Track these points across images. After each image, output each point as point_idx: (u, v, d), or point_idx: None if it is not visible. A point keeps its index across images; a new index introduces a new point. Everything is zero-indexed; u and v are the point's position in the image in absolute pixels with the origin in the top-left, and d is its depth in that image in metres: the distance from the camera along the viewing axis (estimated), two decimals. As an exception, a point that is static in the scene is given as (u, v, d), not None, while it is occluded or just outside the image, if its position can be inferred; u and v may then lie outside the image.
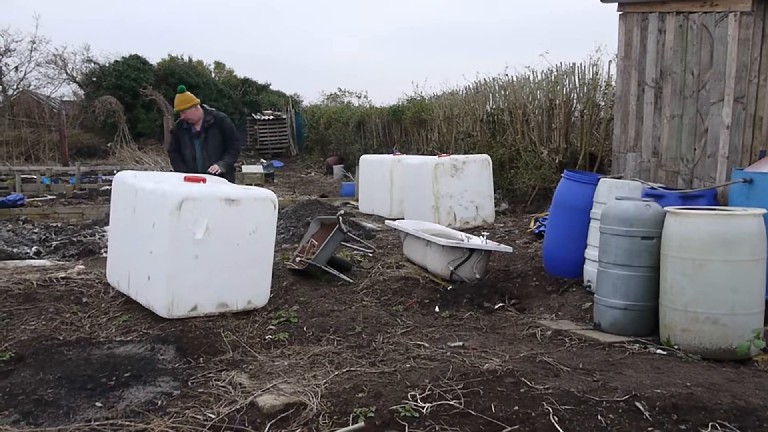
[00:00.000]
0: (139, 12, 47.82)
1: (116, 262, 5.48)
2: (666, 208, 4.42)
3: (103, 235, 8.28)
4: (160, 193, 4.83)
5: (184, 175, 5.51)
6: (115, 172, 16.07)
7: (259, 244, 5.06)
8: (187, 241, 4.71)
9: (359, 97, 25.39)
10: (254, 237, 5.01)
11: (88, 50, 24.66)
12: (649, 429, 2.91)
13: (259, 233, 5.04)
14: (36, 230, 8.83)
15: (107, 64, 23.80)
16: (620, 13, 6.33)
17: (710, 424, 2.92)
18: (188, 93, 6.70)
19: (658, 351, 4.20)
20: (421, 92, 17.29)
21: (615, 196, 4.91)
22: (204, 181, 5.27)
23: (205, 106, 6.78)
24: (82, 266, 6.42)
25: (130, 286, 5.16)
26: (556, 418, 2.97)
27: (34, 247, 7.73)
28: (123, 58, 23.58)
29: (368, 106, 22.39)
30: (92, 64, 24.44)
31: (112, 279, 5.54)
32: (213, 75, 27.70)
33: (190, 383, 3.71)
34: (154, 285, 4.81)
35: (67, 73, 24.57)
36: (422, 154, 13.69)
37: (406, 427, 2.92)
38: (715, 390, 3.30)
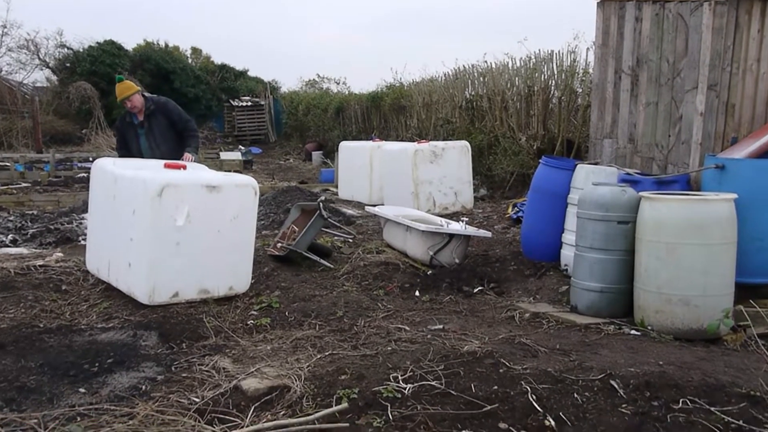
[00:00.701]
0: (114, -4, 47.02)
1: (96, 249, 5.46)
2: (641, 194, 4.53)
3: (81, 223, 8.21)
4: (140, 180, 4.81)
5: (165, 161, 5.50)
6: (90, 159, 15.89)
7: (240, 231, 5.08)
8: (168, 227, 4.71)
9: (338, 84, 25.34)
10: (235, 223, 5.02)
11: (61, 35, 24.21)
12: (623, 406, 3.01)
13: (240, 220, 5.05)
14: (11, 218, 8.71)
15: (81, 50, 23.36)
16: (598, 1, 6.40)
17: (681, 401, 3.03)
18: (128, 81, 6.60)
19: (633, 332, 4.32)
20: (401, 78, 17.32)
21: (592, 182, 5.01)
22: (184, 168, 5.26)
23: (145, 94, 6.62)
24: (60, 254, 6.38)
25: (110, 273, 5.15)
26: (534, 397, 3.06)
27: (10, 235, 7.63)
28: (98, 43, 23.17)
29: (347, 92, 22.35)
30: (66, 50, 23.98)
31: (91, 266, 5.52)
32: (190, 61, 27.33)
33: (173, 368, 3.73)
34: (135, 272, 4.81)
35: (39, 58, 24.09)
36: (401, 140, 13.73)
37: (389, 408, 2.98)
38: (686, 368, 3.42)
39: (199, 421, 2.99)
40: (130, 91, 6.44)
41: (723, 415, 2.90)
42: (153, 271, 4.71)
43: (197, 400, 3.24)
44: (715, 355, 3.83)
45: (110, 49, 22.97)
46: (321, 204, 6.24)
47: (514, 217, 8.21)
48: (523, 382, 3.21)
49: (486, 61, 12.19)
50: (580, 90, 10.08)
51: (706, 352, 3.88)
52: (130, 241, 4.83)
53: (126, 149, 6.68)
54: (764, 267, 4.56)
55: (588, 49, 10.03)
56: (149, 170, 5.08)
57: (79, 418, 3.06)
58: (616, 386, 3.17)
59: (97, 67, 22.36)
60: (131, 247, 4.83)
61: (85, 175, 13.93)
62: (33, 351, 3.98)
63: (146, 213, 4.68)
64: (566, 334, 4.27)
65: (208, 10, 51.66)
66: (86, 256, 5.64)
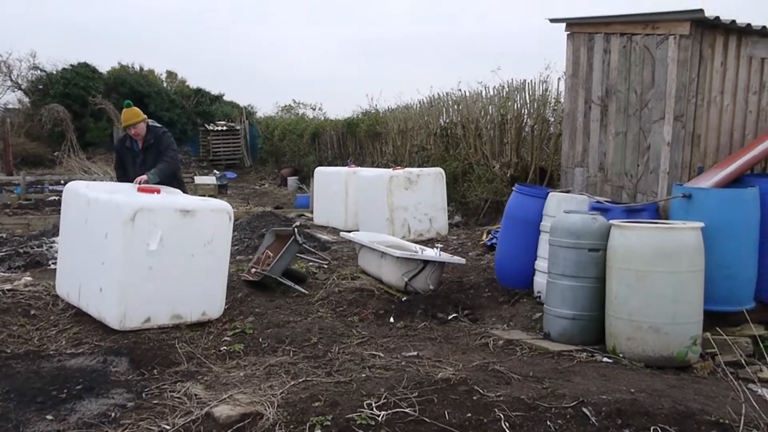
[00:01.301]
0: (88, 18, 46.83)
1: (66, 273, 5.38)
2: (611, 221, 4.62)
3: (51, 247, 8.07)
4: (113, 204, 4.78)
5: (138, 186, 5.46)
6: (62, 182, 15.67)
7: (214, 256, 5.05)
8: (140, 252, 4.66)
9: (314, 109, 25.38)
10: (209, 248, 5.00)
11: (34, 57, 23.94)
12: (595, 433, 3.04)
13: (215, 244, 5.03)
14: (-21, 241, 8.54)
15: (54, 72, 23.14)
16: (568, 33, 6.57)
17: (652, 428, 3.07)
18: (135, 108, 6.55)
19: (605, 359, 4.36)
20: (376, 105, 17.44)
21: (563, 210, 5.09)
22: (158, 191, 5.23)
23: (149, 122, 6.57)
24: (29, 278, 6.26)
25: (80, 297, 5.07)
26: (507, 424, 3.08)
27: (-22, 259, 7.48)
28: (71, 65, 22.99)
29: (323, 118, 22.42)
30: (39, 72, 23.72)
31: (61, 291, 5.43)
32: (165, 84, 27.22)
33: (144, 395, 3.68)
34: (106, 296, 4.74)
35: (11, 80, 23.77)
36: (377, 166, 13.80)
37: (363, 435, 2.97)
38: (657, 396, 3.46)
39: (170, 450, 2.94)
40: (137, 118, 6.38)
41: (692, 442, 2.94)
42: (124, 295, 4.65)
43: (168, 427, 3.20)
44: (685, 382, 3.88)
45: (84, 72, 22.80)
46: (296, 229, 6.24)
47: (488, 243, 8.27)
48: (496, 410, 3.22)
49: (460, 90, 12.38)
50: (552, 119, 10.27)
51: (677, 380, 3.93)
52: (102, 265, 4.78)
53: (123, 170, 6.62)
54: (731, 295, 4.66)
55: (559, 78, 10.22)
56: (122, 194, 5.04)
57: (45, 447, 3.00)
58: (588, 414, 3.20)
59: (70, 89, 22.16)
60: (103, 272, 4.77)
61: (56, 198, 13.74)
62: (0, 377, 3.89)
63: (119, 237, 4.64)
64: (539, 362, 4.30)
65: (183, 34, 51.73)
66: (56, 281, 5.55)
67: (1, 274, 6.76)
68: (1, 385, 3.75)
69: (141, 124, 6.38)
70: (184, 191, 6.29)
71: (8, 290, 5.68)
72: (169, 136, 6.54)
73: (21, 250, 7.76)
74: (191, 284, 4.92)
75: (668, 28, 5.33)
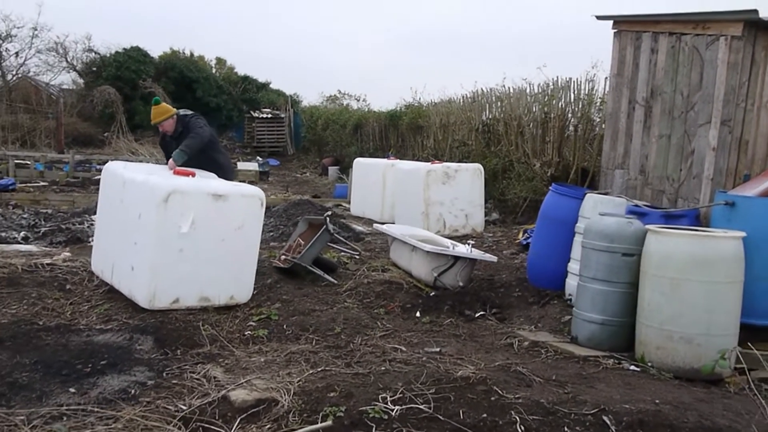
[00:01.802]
0: (143, 4, 47.78)
1: (102, 251, 5.50)
2: (647, 226, 4.47)
3: (92, 224, 8.28)
4: (148, 186, 4.85)
5: (175, 168, 5.53)
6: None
7: (244, 241, 5.09)
8: (172, 233, 4.73)
9: (358, 100, 25.44)
10: (240, 233, 5.04)
11: (89, 40, 24.62)
12: (614, 443, 2.95)
13: (245, 229, 5.07)
14: (25, 216, 8.83)
15: (108, 55, 23.74)
16: (615, 30, 6.40)
17: (674, 442, 2.96)
18: (164, 104, 6.56)
19: (632, 367, 4.24)
20: (419, 98, 17.35)
21: (599, 212, 4.96)
22: (193, 175, 5.29)
23: (180, 113, 6.60)
24: (68, 253, 6.44)
25: (113, 275, 5.18)
26: (522, 428, 3.01)
27: (23, 233, 7.73)
28: (124, 49, 23.53)
29: (366, 109, 22.44)
30: (93, 54, 24.38)
31: (96, 268, 5.56)
32: (213, 71, 27.64)
33: (164, 374, 3.73)
34: (137, 275, 4.83)
35: (67, 61, 24.51)
36: (417, 160, 13.73)
37: (374, 428, 2.95)
38: (683, 408, 3.34)
39: (183, 429, 2.97)
40: (163, 116, 6.41)
41: (716, 459, 2.83)
42: (155, 275, 4.73)
43: (184, 407, 3.23)
44: (714, 396, 3.74)
45: (136, 56, 23.31)
46: (328, 219, 6.24)
47: (524, 243, 8.15)
48: (513, 412, 3.15)
49: (504, 86, 12.21)
50: (597, 119, 10.04)
51: (706, 394, 3.79)
52: (135, 245, 4.86)
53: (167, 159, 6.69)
54: (771, 308, 4.47)
55: (606, 78, 9.98)
56: (158, 176, 5.11)
57: (64, 418, 3.06)
58: (608, 422, 3.11)
59: (122, 72, 22.70)
60: (135, 251, 4.86)
61: (102, 177, 14.09)
62: (29, 348, 4.00)
63: (152, 218, 4.71)
64: (564, 365, 4.20)
65: (234, 22, 52.31)
66: (92, 258, 5.68)
67: (43, 248, 6.97)
68: (30, 355, 3.85)
69: (169, 121, 6.40)
70: (231, 179, 6.29)
71: (47, 264, 5.85)
72: (197, 119, 6.53)
73: (63, 226, 7.99)
74: (220, 268, 4.97)
75: (719, 28, 5.13)
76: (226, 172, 6.44)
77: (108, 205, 5.48)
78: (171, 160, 5.94)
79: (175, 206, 4.72)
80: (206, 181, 5.31)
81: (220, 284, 5.02)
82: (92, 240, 7.40)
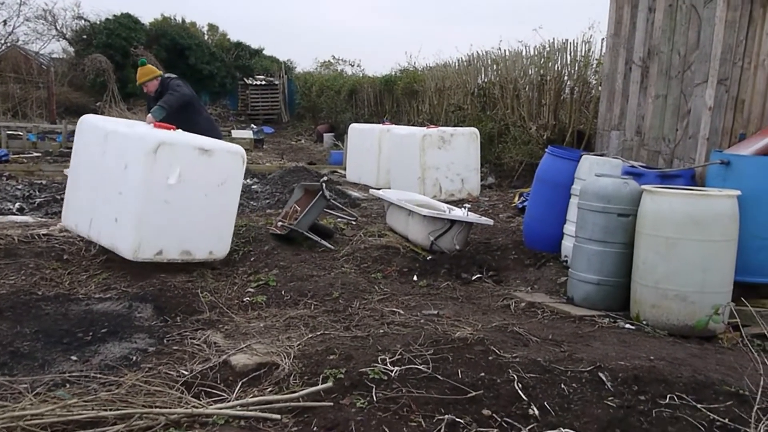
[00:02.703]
0: (133, -31, 46.77)
1: (77, 204, 5.44)
2: (643, 187, 4.48)
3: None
4: (137, 136, 4.91)
5: (154, 122, 5.56)
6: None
7: (225, 197, 5.19)
8: (159, 184, 4.78)
9: (352, 66, 25.11)
10: (222, 189, 5.14)
11: (78, 6, 24.37)
12: (610, 398, 3.00)
13: (227, 186, 5.17)
14: (20, 187, 8.79)
15: (98, 22, 23.33)
16: (612, -11, 6.32)
17: (668, 396, 3.01)
18: (149, 66, 6.68)
19: (627, 326, 4.29)
20: (414, 63, 17.18)
21: (594, 173, 4.96)
22: (174, 128, 5.29)
23: (165, 76, 6.67)
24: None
25: (91, 228, 5.15)
26: (520, 385, 3.05)
27: (18, 204, 7.71)
28: (114, 16, 23.13)
29: (361, 75, 22.18)
30: (83, 21, 23.98)
31: (69, 222, 5.52)
32: (206, 37, 27.18)
33: (165, 341, 3.77)
34: (121, 226, 4.85)
35: (56, 29, 24.11)
36: (413, 125, 13.65)
37: (374, 389, 2.99)
38: (677, 364, 3.39)
39: (186, 394, 3.01)
40: (147, 77, 6.57)
41: (709, 413, 2.88)
42: (140, 226, 4.77)
43: (186, 372, 3.27)
44: (708, 352, 3.80)
45: (127, 23, 22.93)
46: (324, 185, 6.23)
47: (520, 206, 8.17)
48: (510, 371, 3.20)
49: (500, 49, 12.10)
50: (594, 81, 9.97)
51: (700, 350, 3.85)
52: (119, 195, 4.88)
53: None
54: (765, 266, 4.50)
55: (603, 39, 9.89)
56: (142, 128, 5.15)
57: (67, 385, 3.10)
58: (604, 379, 3.15)
59: (112, 40, 22.35)
60: (120, 202, 4.88)
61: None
62: (29, 318, 4.03)
63: (140, 168, 4.75)
64: (560, 325, 4.25)
65: (225, -13, 51.42)
66: (64, 212, 5.62)
67: (39, 219, 6.96)
68: (30, 325, 3.88)
69: (152, 82, 6.54)
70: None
71: (44, 235, 5.85)
72: (176, 80, 6.63)
73: (59, 197, 7.96)
74: (202, 223, 5.07)
75: (717, -15, 5.06)
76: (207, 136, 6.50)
77: (86, 158, 5.41)
78: (149, 116, 6.02)
79: (163, 157, 4.77)
80: (192, 135, 5.32)
81: (201, 239, 5.12)
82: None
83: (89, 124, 5.47)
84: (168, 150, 4.79)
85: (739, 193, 4.25)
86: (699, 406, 2.93)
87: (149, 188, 4.76)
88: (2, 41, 23.34)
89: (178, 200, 4.89)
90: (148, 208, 4.78)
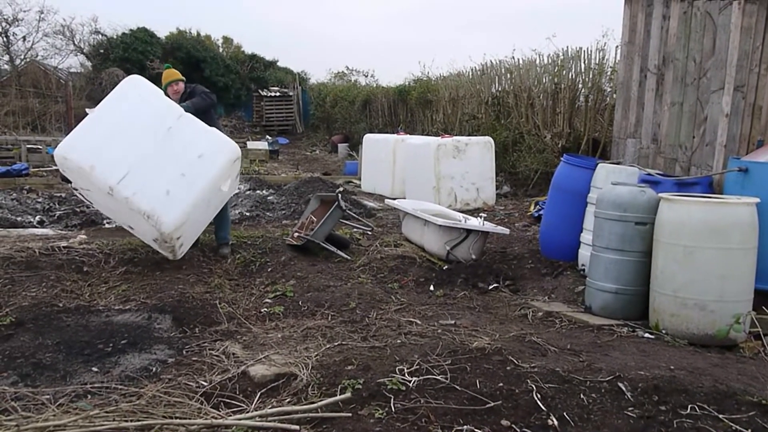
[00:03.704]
0: (149, -17, 47.41)
1: (103, 151, 5.18)
2: (660, 195, 4.46)
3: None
4: (224, 140, 5.49)
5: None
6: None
7: (223, 195, 5.70)
8: (215, 188, 5.35)
9: (366, 76, 25.26)
10: (229, 192, 5.85)
11: (96, 21, 24.70)
12: (629, 409, 2.98)
13: (231, 188, 5.84)
14: (40, 200, 8.92)
15: (115, 36, 23.71)
16: (626, -3, 6.32)
17: (689, 406, 2.99)
18: (174, 69, 6.72)
19: (646, 335, 4.26)
20: (428, 72, 17.23)
21: (611, 181, 4.94)
22: None
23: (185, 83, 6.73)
24: (84, 236, 6.50)
25: (122, 183, 5.03)
26: (539, 396, 3.04)
27: (38, 217, 7.82)
28: (131, 30, 23.48)
29: (375, 85, 22.30)
30: (100, 36, 24.37)
31: (78, 156, 5.18)
32: (221, 50, 27.48)
33: (184, 352, 3.80)
34: (172, 201, 5.06)
35: (74, 44, 24.52)
36: (427, 134, 13.68)
37: (392, 399, 2.99)
38: (698, 374, 3.36)
39: (205, 404, 3.03)
40: (174, 77, 6.53)
41: (731, 423, 2.85)
42: (189, 212, 5.10)
43: (205, 383, 3.29)
44: (729, 362, 3.76)
45: (143, 37, 23.26)
46: (339, 195, 6.26)
47: (536, 215, 8.15)
48: (529, 381, 3.19)
49: (513, 57, 12.09)
50: (608, 89, 9.94)
51: (720, 359, 3.81)
52: (182, 176, 5.15)
53: None
54: (786, 274, 4.46)
55: (617, 47, 9.87)
56: (219, 132, 5.66)
57: (89, 396, 3.13)
58: (623, 389, 3.13)
59: (129, 54, 22.67)
60: (180, 182, 5.13)
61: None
62: (51, 329, 4.08)
63: (215, 169, 5.28)
64: (578, 335, 4.23)
65: (240, 1, 51.93)
66: (67, 144, 5.30)
67: (59, 231, 7.05)
68: (51, 337, 3.93)
69: (180, 84, 6.49)
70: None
71: (64, 247, 5.91)
72: (203, 88, 6.65)
73: (78, 209, 8.07)
74: (202, 224, 5.71)
75: (732, -8, 5.05)
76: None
77: (138, 117, 5.35)
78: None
79: (231, 168, 5.40)
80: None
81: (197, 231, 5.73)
82: (107, 222, 7.49)
83: (147, 89, 5.57)
84: (237, 163, 5.48)
85: (758, 200, 4.22)
86: (721, 416, 2.90)
87: (210, 187, 5.27)
88: (22, 57, 23.72)
89: (211, 201, 5.41)
90: (200, 201, 5.21)
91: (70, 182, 5.78)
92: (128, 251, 5.70)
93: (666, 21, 5.79)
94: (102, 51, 23.86)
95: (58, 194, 9.56)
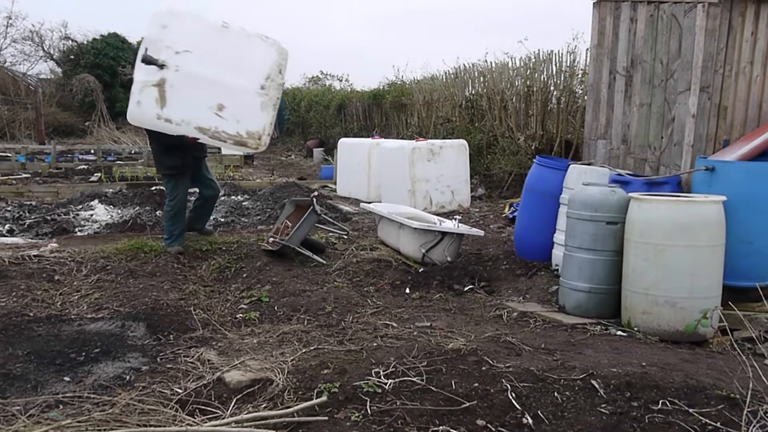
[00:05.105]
0: (119, -11, 46.89)
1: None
2: (630, 194, 4.54)
3: (78, 214, 8.25)
4: None
5: None
6: (92, 151, 15.92)
7: None
8: None
9: (341, 80, 25.30)
10: None
11: (65, 27, 24.42)
12: (602, 405, 3.02)
13: None
14: (9, 208, 8.75)
15: (85, 42, 23.44)
16: (594, 1, 6.41)
17: (661, 401, 3.04)
18: None
19: (619, 333, 4.33)
20: (402, 76, 17.33)
21: (582, 182, 5.01)
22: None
23: None
24: (55, 244, 6.40)
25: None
26: (513, 395, 3.08)
27: (7, 225, 7.67)
28: (102, 35, 23.23)
29: (349, 89, 22.34)
30: (70, 42, 24.09)
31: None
32: (193, 55, 27.31)
33: (159, 359, 3.76)
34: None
35: (44, 50, 24.21)
36: (402, 138, 13.72)
37: (368, 402, 3.00)
38: (669, 369, 3.43)
39: (180, 412, 3.01)
40: None
41: (701, 417, 2.91)
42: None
43: (180, 391, 3.27)
44: (699, 357, 3.83)
45: (114, 42, 23.02)
46: (315, 200, 6.25)
47: (510, 216, 8.22)
48: (504, 380, 3.22)
49: (486, 61, 12.19)
50: (580, 91, 10.07)
51: (691, 354, 3.88)
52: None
53: None
54: (752, 270, 4.56)
55: (587, 49, 10.01)
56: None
57: (60, 406, 3.09)
58: (596, 386, 3.18)
59: (100, 59, 22.42)
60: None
61: (85, 167, 13.98)
62: (21, 339, 4.01)
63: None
64: (552, 334, 4.28)
65: (212, 5, 51.63)
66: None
67: (29, 240, 6.93)
68: (22, 347, 3.86)
69: None
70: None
71: (34, 256, 5.81)
72: None
73: (49, 218, 7.94)
74: None
75: (697, -5, 5.16)
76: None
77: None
78: None
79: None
80: None
81: None
82: (79, 230, 7.39)
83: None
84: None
85: (724, 198, 4.31)
86: (691, 410, 2.96)
87: None
88: (-11, 63, 23.31)
89: None
90: None
91: (155, 61, 5.89)
92: (101, 259, 5.62)
93: (634, 24, 5.90)
94: (72, 57, 23.57)
95: (28, 202, 9.40)
